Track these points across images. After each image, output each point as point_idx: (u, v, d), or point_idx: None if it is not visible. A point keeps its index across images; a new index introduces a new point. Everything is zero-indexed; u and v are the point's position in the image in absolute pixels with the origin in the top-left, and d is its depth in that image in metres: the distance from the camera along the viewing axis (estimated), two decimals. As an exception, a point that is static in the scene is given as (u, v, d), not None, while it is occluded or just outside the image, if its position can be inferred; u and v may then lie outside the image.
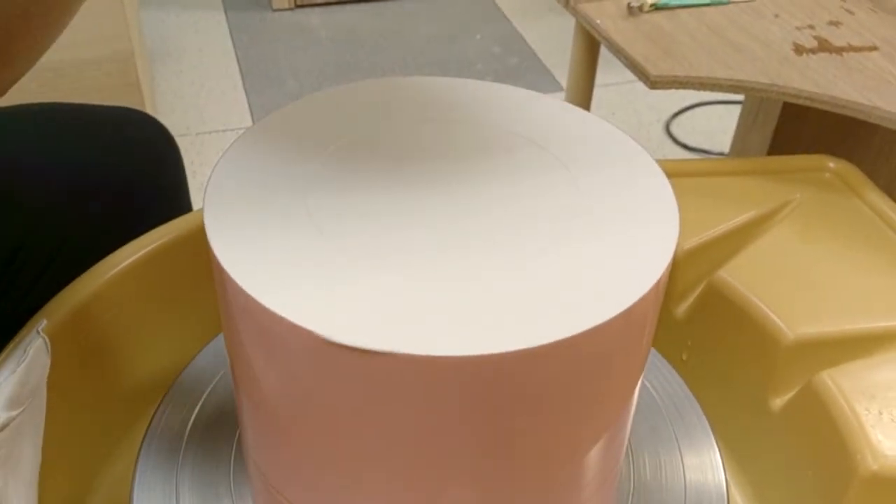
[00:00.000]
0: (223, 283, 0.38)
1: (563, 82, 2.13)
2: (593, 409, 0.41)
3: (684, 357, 0.69)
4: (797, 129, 1.10)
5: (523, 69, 2.23)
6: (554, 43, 2.37)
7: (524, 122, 0.48)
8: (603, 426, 0.43)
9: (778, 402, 0.61)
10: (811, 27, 0.83)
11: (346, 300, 0.36)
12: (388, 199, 0.42)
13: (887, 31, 0.82)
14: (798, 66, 0.76)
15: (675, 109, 2.10)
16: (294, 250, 0.38)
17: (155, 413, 0.55)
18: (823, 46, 0.79)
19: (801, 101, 0.73)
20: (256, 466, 0.47)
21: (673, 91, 2.23)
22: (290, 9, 2.49)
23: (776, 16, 0.85)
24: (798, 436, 0.59)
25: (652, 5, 0.84)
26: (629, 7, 0.83)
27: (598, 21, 0.82)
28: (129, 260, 0.60)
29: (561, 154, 0.45)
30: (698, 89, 0.74)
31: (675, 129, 2.05)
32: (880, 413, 0.55)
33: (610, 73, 2.13)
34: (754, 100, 1.13)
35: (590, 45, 0.94)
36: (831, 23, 0.84)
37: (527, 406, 0.38)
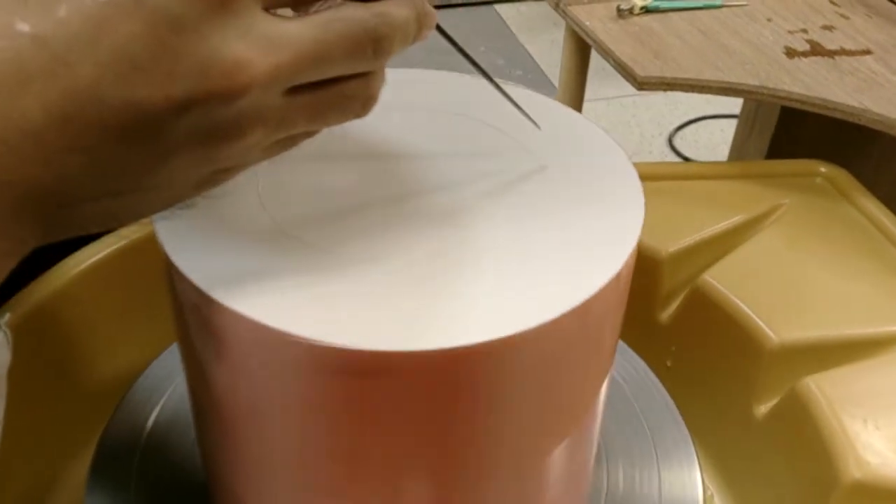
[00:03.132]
0: (170, 276, 0.37)
1: (566, 95, 2.12)
2: (551, 410, 0.39)
3: (669, 364, 0.67)
4: (795, 139, 1.09)
5: (526, 81, 2.23)
6: (557, 56, 2.37)
7: (486, 109, 0.46)
8: (563, 427, 0.41)
9: (762, 409, 0.59)
10: (804, 31, 0.82)
11: (298, 291, 0.35)
12: (342, 184, 0.41)
13: (882, 36, 0.81)
14: (789, 69, 0.75)
15: (678, 123, 2.09)
16: (242, 238, 0.37)
17: (113, 413, 0.54)
18: (816, 50, 0.78)
19: (791, 104, 0.72)
20: (210, 469, 0.45)
21: (676, 105, 2.23)
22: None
23: (769, 20, 0.84)
24: (781, 443, 0.57)
25: (642, 8, 0.82)
26: (619, 10, 0.82)
27: (588, 23, 0.80)
28: (96, 257, 0.59)
29: (523, 140, 0.44)
30: (686, 91, 0.73)
31: (677, 142, 2.04)
32: (865, 420, 0.53)
33: (612, 86, 2.12)
34: (751, 109, 1.11)
35: (580, 49, 0.93)
36: (825, 27, 0.83)
37: (479, 403, 0.36)
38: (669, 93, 2.27)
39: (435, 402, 0.35)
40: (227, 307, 0.34)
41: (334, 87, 0.32)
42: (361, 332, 0.33)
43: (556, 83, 2.25)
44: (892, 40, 0.80)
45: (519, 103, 0.43)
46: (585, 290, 0.35)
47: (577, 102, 0.97)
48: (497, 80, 0.42)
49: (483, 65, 0.42)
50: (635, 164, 0.44)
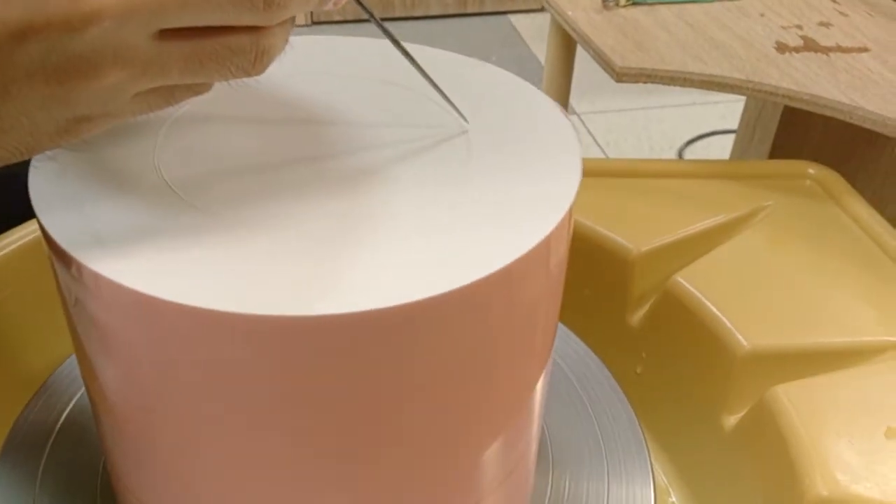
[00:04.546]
0: (48, 246, 0.33)
1: (577, 105, 2.08)
2: (471, 395, 0.35)
3: (639, 370, 0.63)
4: (797, 148, 1.04)
5: (537, 91, 2.20)
6: (570, 67, 2.33)
7: (419, 77, 0.42)
8: (488, 418, 0.37)
9: (731, 420, 0.55)
10: (798, 27, 0.77)
11: (170, 254, 0.31)
12: (249, 147, 0.37)
13: (881, 33, 0.77)
14: (778, 64, 0.71)
15: (689, 137, 2.05)
16: (125, 197, 0.34)
17: (27, 405, 0.50)
18: (809, 46, 0.74)
19: (778, 100, 0.68)
20: (106, 457, 0.42)
21: (689, 119, 2.18)
22: (306, 25, 2.47)
23: (762, 15, 0.80)
24: (750, 455, 0.53)
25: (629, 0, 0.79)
26: (604, 1, 0.78)
27: (570, 13, 0.77)
28: (23, 241, 0.56)
29: (455, 110, 0.40)
30: (667, 84, 0.69)
31: (688, 156, 1.99)
32: (838, 434, 0.49)
33: (623, 98, 2.08)
34: (751, 117, 1.07)
35: (565, 42, 0.89)
36: (821, 24, 0.78)
37: (381, 379, 0.32)
38: (683, 107, 2.23)
39: (330, 380, 0.31)
40: (88, 267, 0.30)
41: (217, 38, 0.29)
42: (234, 297, 0.29)
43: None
44: (893, 38, 0.76)
45: (457, 71, 0.40)
46: (503, 258, 0.31)
47: (562, 98, 0.94)
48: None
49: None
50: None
